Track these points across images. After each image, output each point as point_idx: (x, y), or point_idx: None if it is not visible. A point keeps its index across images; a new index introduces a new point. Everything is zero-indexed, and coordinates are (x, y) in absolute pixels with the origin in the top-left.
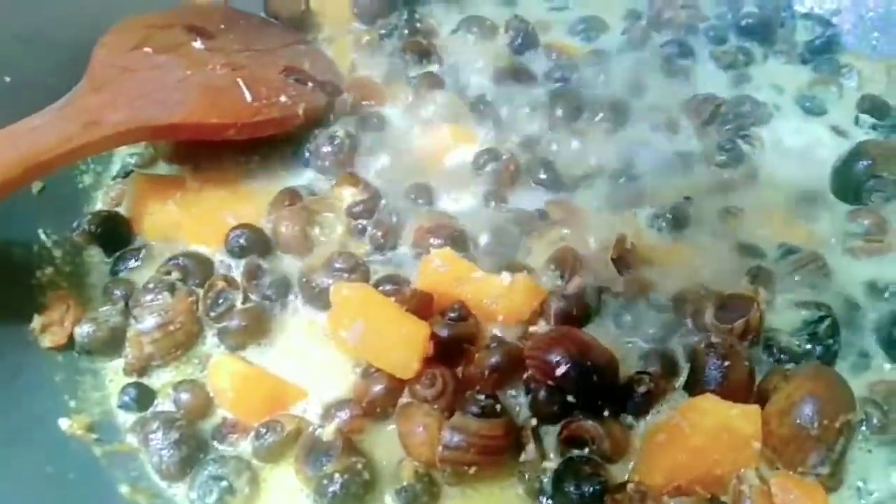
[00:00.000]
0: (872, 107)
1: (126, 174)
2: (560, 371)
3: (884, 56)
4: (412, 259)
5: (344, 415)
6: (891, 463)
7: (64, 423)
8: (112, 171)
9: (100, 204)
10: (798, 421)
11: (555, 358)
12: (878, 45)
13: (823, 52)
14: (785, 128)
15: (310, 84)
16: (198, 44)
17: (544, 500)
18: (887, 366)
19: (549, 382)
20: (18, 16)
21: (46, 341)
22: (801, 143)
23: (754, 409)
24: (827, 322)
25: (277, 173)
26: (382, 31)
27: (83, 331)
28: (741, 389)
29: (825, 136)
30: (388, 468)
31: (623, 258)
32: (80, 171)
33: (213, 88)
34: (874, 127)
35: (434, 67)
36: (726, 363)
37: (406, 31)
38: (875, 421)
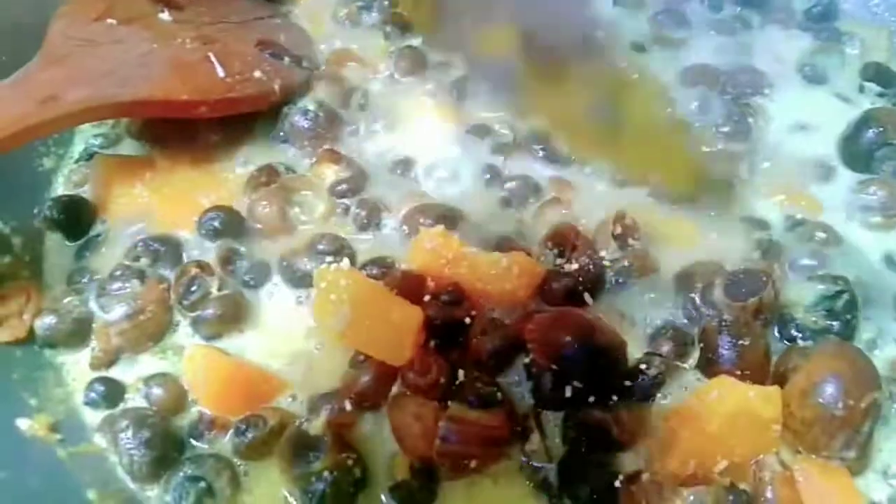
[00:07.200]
0: (877, 74)
1: (89, 156)
2: (564, 354)
3: (885, 23)
4: (400, 239)
5: (332, 407)
6: None
7: (24, 424)
8: (74, 154)
9: (61, 188)
10: (821, 401)
11: (558, 340)
12: (878, 11)
13: (823, 19)
14: (787, 97)
15: (285, 59)
16: (165, 15)
17: (551, 492)
18: None
19: (553, 367)
20: None
21: (4, 335)
22: (805, 112)
23: (774, 390)
24: (845, 297)
25: (253, 152)
26: (361, 3)
27: (45, 323)
28: (758, 369)
29: (829, 105)
30: (381, 464)
31: (625, 233)
32: (38, 153)
33: (183, 63)
34: (881, 95)
35: (416, 41)
36: (741, 342)
37: (386, 3)
38: None
